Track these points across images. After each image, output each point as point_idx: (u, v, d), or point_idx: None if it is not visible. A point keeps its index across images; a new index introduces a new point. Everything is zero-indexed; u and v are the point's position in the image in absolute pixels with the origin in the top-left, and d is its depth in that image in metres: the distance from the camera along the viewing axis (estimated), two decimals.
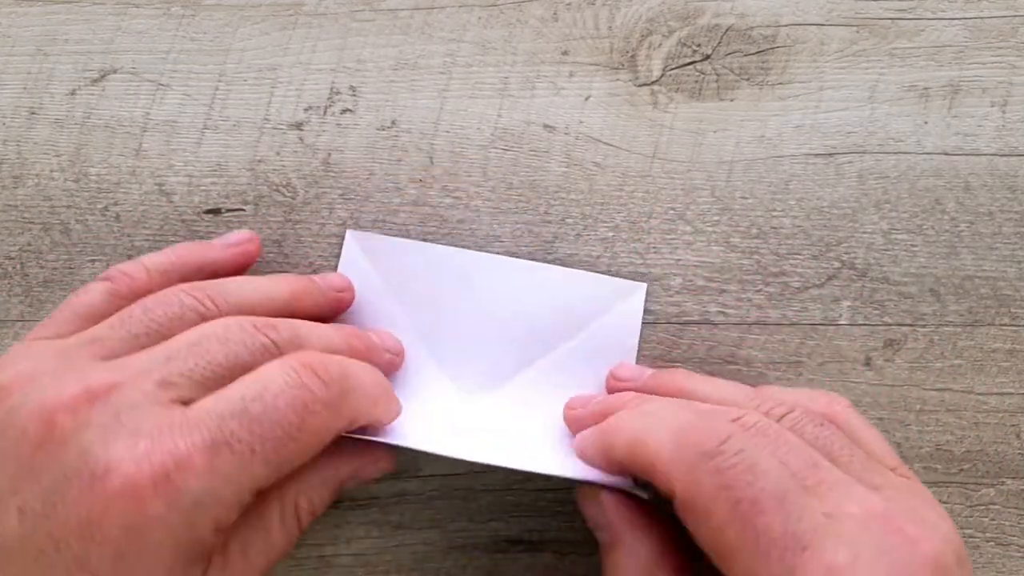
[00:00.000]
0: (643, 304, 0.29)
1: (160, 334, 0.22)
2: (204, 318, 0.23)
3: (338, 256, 0.30)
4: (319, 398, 0.21)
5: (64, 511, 0.18)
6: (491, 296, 0.29)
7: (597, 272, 0.30)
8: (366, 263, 0.29)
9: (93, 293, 0.24)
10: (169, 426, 0.19)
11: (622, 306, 0.29)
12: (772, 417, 0.23)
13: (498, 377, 0.29)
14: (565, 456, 0.26)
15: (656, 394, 0.26)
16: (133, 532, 0.19)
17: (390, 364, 0.27)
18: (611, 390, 0.28)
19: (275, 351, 0.22)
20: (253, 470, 0.20)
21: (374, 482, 0.29)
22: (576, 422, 0.27)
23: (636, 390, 0.27)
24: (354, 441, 0.24)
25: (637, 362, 0.29)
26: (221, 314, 0.23)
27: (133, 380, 0.20)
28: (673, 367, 0.29)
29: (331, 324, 0.26)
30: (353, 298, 0.28)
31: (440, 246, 0.29)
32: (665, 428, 0.22)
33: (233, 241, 0.28)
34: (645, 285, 0.29)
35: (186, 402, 0.21)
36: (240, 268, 0.28)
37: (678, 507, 0.21)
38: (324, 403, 0.21)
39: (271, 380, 0.21)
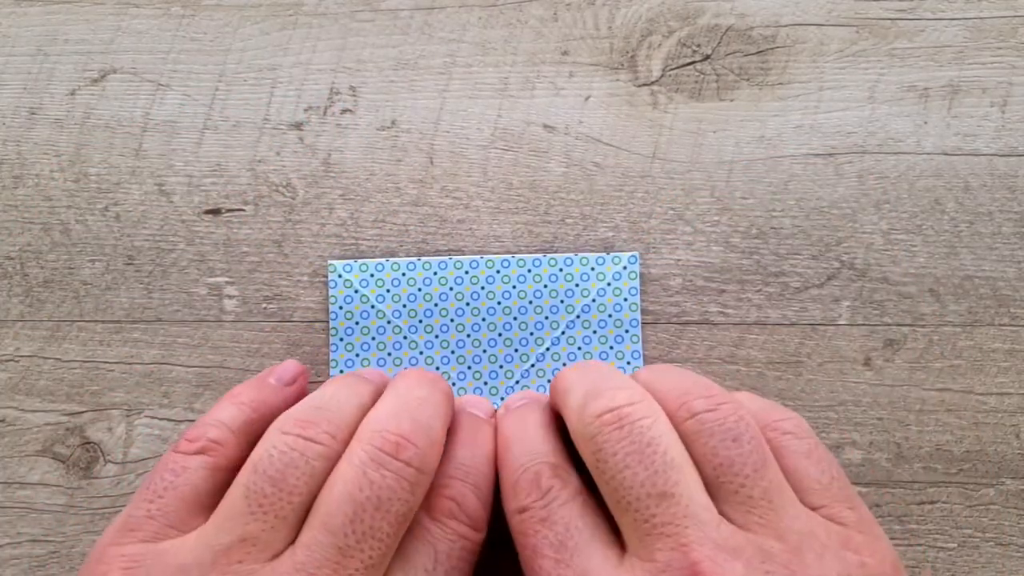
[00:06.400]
0: (639, 269, 0.30)
1: (303, 504, 0.21)
2: (328, 459, 0.22)
3: (337, 257, 0.30)
4: (477, 541, 0.23)
5: None
6: (489, 295, 0.29)
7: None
8: (353, 290, 0.30)
9: (192, 472, 0.22)
10: None
11: (617, 274, 0.30)
12: (683, 413, 0.22)
13: (510, 364, 0.30)
14: None
15: None
16: None
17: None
18: None
19: (421, 476, 0.22)
20: None
21: None
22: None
23: None
24: None
25: (641, 330, 0.30)
26: (339, 443, 0.22)
27: None
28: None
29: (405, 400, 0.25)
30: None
31: (424, 258, 0.30)
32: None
33: (288, 379, 0.27)
34: (637, 252, 0.30)
35: None
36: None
37: None
38: (479, 542, 0.23)
39: (438, 541, 0.22)
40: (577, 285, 0.29)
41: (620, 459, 0.21)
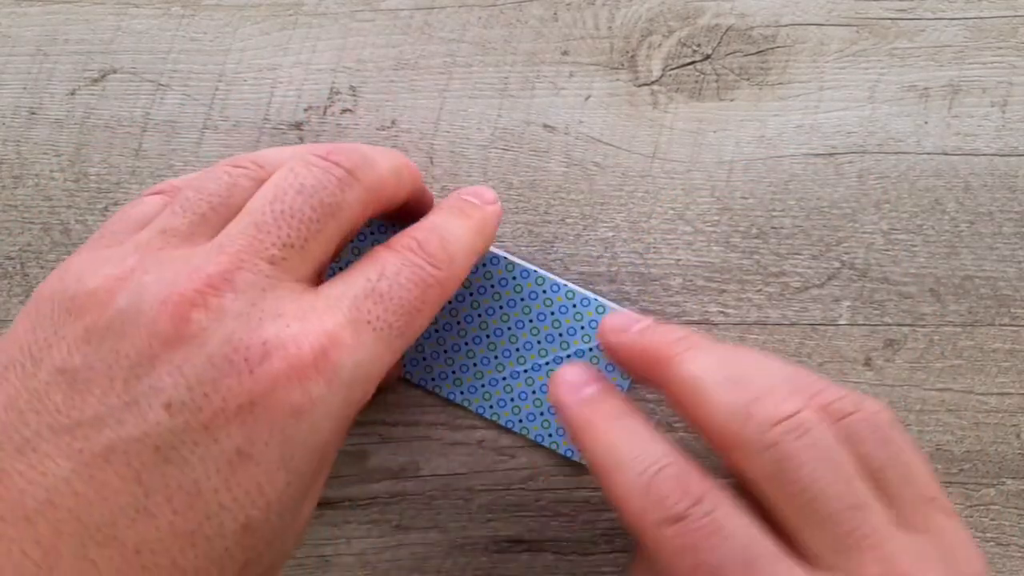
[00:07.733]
0: None
1: (226, 206, 0.21)
2: (253, 179, 0.22)
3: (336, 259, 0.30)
4: (433, 275, 0.21)
5: (219, 400, 0.18)
6: (495, 295, 0.29)
7: (595, 287, 0.30)
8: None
9: (148, 204, 0.22)
10: (311, 307, 0.19)
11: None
12: (831, 415, 0.20)
13: (485, 367, 0.29)
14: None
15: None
16: (298, 413, 0.18)
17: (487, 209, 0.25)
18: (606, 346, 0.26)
19: (351, 180, 0.21)
20: (391, 344, 0.20)
21: (374, 480, 0.29)
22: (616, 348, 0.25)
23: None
24: None
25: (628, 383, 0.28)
26: (267, 171, 0.22)
27: (244, 263, 0.19)
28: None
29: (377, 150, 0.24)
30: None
31: None
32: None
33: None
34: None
35: (304, 277, 0.20)
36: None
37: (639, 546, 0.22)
38: (438, 280, 0.22)
39: (387, 261, 0.21)
40: (583, 328, 0.28)
41: (810, 470, 0.19)
